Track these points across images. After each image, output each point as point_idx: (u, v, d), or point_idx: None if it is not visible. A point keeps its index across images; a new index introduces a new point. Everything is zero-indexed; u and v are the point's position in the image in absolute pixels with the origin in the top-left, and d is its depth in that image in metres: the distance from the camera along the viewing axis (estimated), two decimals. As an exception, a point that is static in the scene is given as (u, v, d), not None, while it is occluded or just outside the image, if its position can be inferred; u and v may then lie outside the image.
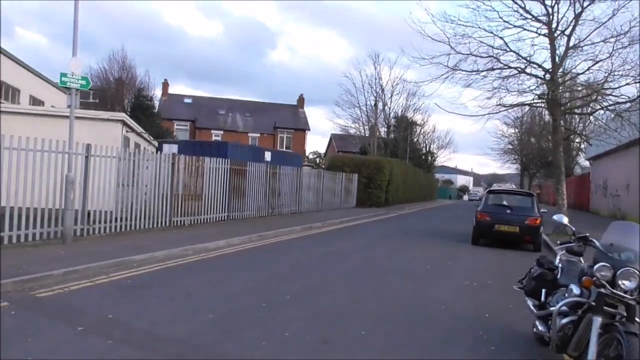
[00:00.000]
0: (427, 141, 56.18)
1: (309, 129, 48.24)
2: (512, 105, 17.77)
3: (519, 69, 17.33)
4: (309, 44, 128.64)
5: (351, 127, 46.53)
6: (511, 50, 17.13)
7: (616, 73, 15.86)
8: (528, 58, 17.05)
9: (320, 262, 9.98)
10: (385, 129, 45.17)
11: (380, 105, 42.10)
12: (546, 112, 49.07)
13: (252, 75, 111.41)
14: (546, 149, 50.03)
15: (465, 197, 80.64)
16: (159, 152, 14.16)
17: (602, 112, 17.95)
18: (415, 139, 51.71)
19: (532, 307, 5.21)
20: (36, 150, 9.23)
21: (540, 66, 17.23)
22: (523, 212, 13.21)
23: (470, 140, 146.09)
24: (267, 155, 19.54)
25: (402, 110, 45.83)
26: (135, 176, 11.85)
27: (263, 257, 10.34)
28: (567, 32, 16.36)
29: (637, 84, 16.02)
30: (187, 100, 46.73)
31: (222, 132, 43.60)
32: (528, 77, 17.49)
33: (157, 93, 43.64)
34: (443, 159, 62.86)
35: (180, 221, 13.49)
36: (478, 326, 5.88)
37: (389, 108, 43.80)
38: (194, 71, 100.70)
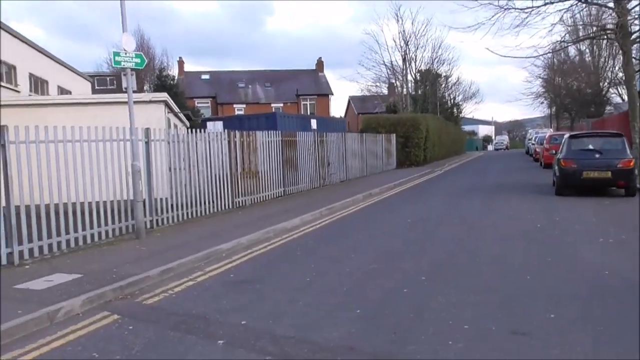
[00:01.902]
0: (453, 93, 54.20)
1: (332, 93, 46.87)
2: (578, 40, 16.28)
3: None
4: (306, 7, 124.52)
5: (372, 86, 45.06)
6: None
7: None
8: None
9: (418, 231, 9.07)
10: (413, 85, 43.42)
11: (404, 60, 40.31)
12: (573, 50, 46.98)
13: (254, 45, 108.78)
14: (576, 89, 48.13)
15: (490, 147, 78.73)
16: (205, 131, 13.21)
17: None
18: (442, 92, 49.84)
19: None
20: (98, 141, 8.37)
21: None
22: (614, 155, 12.04)
23: (490, 89, 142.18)
24: (313, 123, 18.50)
25: (428, 64, 43.95)
26: (191, 158, 10.96)
27: (351, 232, 9.45)
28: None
29: None
30: (204, 77, 45.53)
31: (244, 106, 42.54)
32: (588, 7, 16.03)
33: (172, 73, 42.59)
34: (469, 110, 60.92)
35: (242, 201, 12.66)
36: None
37: (415, 62, 41.99)
38: (195, 49, 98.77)
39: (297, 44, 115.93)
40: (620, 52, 15.92)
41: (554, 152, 15.22)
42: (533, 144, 31.83)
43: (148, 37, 51.20)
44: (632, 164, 11.90)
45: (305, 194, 15.48)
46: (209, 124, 14.84)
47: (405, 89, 40.88)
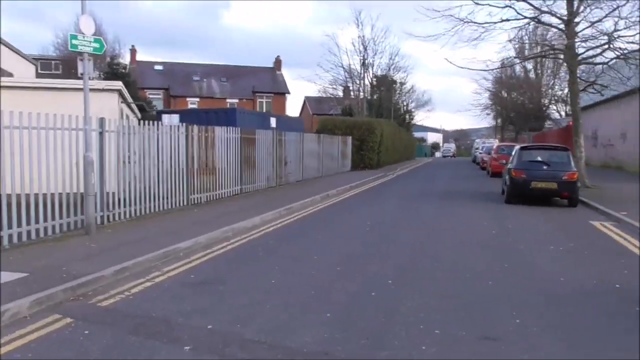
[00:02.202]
0: (406, 100, 55.37)
1: (289, 92, 46.63)
2: (528, 57, 16.99)
3: (536, 19, 16.50)
4: (264, 5, 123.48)
5: (329, 88, 45.28)
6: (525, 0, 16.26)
7: (628, 19, 15.28)
8: (541, 8, 16.25)
9: (379, 234, 9.09)
10: (370, 89, 43.94)
11: (363, 65, 40.72)
12: (518, 67, 49.26)
13: (210, 39, 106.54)
14: (520, 103, 50.44)
15: (438, 154, 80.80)
16: (161, 124, 12.72)
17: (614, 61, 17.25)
18: (397, 99, 50.75)
19: None
20: (48, 129, 7.84)
21: (556, 15, 16.43)
22: (560, 167, 12.59)
23: (441, 98, 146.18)
24: (273, 122, 18.26)
25: (385, 70, 44.63)
26: (146, 152, 10.51)
27: (312, 233, 9.35)
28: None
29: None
30: (158, 68, 44.13)
31: (198, 100, 41.58)
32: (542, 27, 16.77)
33: (124, 62, 41.08)
34: (420, 117, 62.46)
35: (197, 199, 12.29)
36: (611, 297, 5.14)
37: (372, 68, 42.49)
38: (148, 39, 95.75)
39: (254, 41, 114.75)
40: (567, 71, 16.69)
41: (504, 161, 15.72)
42: (480, 153, 32.86)
43: (100, 22, 49.08)
44: (575, 176, 12.53)
45: (262, 193, 15.25)
46: (165, 117, 14.31)
47: (362, 93, 41.27)
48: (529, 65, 49.27)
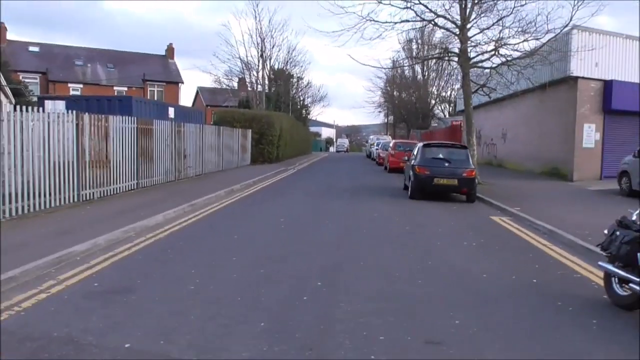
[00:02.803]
0: (303, 95, 55.76)
1: (182, 82, 44.45)
2: (426, 58, 17.79)
3: (433, 22, 17.30)
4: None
5: (225, 79, 44.08)
6: (420, 3, 16.98)
7: (512, 28, 16.68)
8: (437, 11, 17.10)
9: (294, 232, 8.78)
10: (267, 82, 43.42)
11: (262, 57, 40.10)
12: (407, 69, 52.20)
13: (90, 21, 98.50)
14: (409, 102, 53.57)
15: (331, 149, 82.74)
16: (41, 111, 11.23)
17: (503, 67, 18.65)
18: (294, 93, 50.82)
19: (618, 270, 4.84)
20: None
21: (450, 20, 17.35)
22: (460, 165, 13.24)
23: (335, 94, 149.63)
24: (171, 112, 17.11)
25: (283, 64, 44.41)
26: (29, 142, 9.20)
27: (224, 231, 8.80)
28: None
29: (533, 41, 16.89)
30: (33, 49, 39.51)
31: (81, 86, 37.99)
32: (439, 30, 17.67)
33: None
34: (316, 112, 63.34)
35: (90, 194, 11.07)
36: (532, 292, 5.40)
37: (270, 61, 42.00)
38: (17, 15, 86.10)
39: (140, 26, 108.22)
40: (449, 74, 17.76)
41: (406, 158, 16.24)
42: (377, 149, 33.98)
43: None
44: (474, 173, 13.29)
45: (161, 188, 14.23)
46: (49, 103, 12.67)
47: (259, 86, 40.66)
48: (417, 68, 52.33)
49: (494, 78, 18.45)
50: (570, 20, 15.77)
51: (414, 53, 51.12)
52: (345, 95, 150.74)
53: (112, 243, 7.47)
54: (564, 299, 5.19)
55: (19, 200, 8.74)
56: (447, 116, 54.19)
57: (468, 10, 16.94)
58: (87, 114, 10.90)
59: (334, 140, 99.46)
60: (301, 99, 57.42)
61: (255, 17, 46.15)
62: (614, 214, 5.53)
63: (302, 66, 51.19)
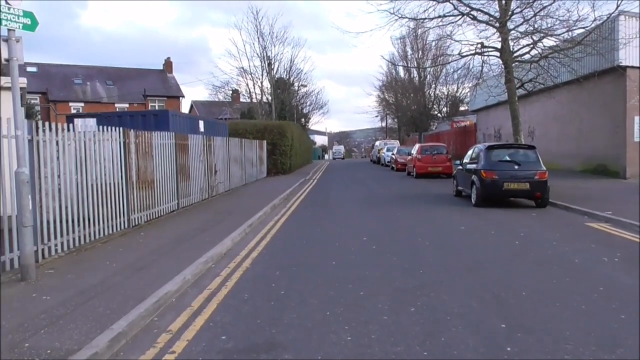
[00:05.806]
0: (304, 103, 54.99)
1: (182, 96, 43.47)
2: (463, 56, 17.02)
3: (471, 15, 16.54)
4: (124, 4, 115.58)
5: (224, 90, 43.21)
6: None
7: (555, 17, 15.91)
8: (473, 5, 16.37)
9: (388, 253, 7.76)
10: (272, 91, 42.57)
11: (265, 66, 39.25)
12: (402, 71, 51.63)
13: (66, 39, 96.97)
14: (407, 106, 52.84)
15: (327, 156, 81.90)
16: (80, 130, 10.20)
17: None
18: (297, 101, 50.02)
19: None
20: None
21: (488, 14, 16.61)
22: (531, 167, 12.21)
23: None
24: (201, 125, 16.09)
25: (286, 72, 43.60)
26: (83, 164, 8.16)
27: (307, 255, 7.78)
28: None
29: (578, 30, 16.12)
30: (30, 69, 38.28)
31: (82, 105, 36.90)
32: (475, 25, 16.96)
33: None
34: (316, 120, 62.62)
35: (138, 218, 10.06)
36: None
37: (274, 69, 41.15)
38: None
39: (114, 43, 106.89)
40: (504, 69, 16.96)
41: (457, 162, 15.24)
42: (392, 154, 32.99)
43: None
44: (546, 175, 12.13)
45: (200, 207, 13.22)
46: (78, 121, 11.63)
47: (264, 96, 39.79)
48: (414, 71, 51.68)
49: (534, 72, 17.49)
50: (617, 6, 14.97)
51: (409, 55, 50.93)
52: (328, 101, 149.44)
53: (198, 277, 6.48)
54: None
55: (75, 231, 7.71)
56: (445, 117, 53.34)
57: (506, 2, 16.20)
58: (132, 130, 9.89)
59: (327, 147, 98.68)
60: (301, 107, 56.65)
61: (256, 26, 45.22)
62: None
63: (305, 73, 50.42)
